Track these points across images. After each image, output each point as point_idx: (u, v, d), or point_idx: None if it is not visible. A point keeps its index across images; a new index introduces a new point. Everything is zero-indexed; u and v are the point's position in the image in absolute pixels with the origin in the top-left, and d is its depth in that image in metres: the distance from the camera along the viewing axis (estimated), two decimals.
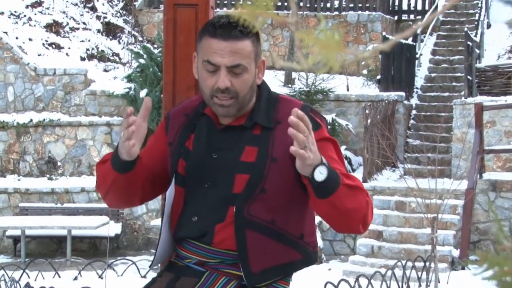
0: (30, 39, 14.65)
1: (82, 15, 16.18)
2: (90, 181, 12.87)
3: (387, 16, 16.89)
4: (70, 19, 15.80)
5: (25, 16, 15.21)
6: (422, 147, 11.94)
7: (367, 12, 16.49)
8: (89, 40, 15.55)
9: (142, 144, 2.25)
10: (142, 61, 13.36)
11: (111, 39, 16.22)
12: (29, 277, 8.50)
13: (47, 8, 15.67)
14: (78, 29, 15.73)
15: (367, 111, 11.88)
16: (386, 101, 13.03)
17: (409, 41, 14.91)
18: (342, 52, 0.94)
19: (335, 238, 11.73)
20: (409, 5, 17.58)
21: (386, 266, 9.04)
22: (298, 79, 14.14)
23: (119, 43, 16.30)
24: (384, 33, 15.30)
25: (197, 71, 2.32)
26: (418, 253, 9.72)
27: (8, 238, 12.13)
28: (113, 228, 11.77)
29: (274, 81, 14.54)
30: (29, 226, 10.97)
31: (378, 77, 14.37)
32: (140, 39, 16.73)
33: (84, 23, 15.99)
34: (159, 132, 2.46)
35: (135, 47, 15.23)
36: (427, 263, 8.04)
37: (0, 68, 13.84)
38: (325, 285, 6.78)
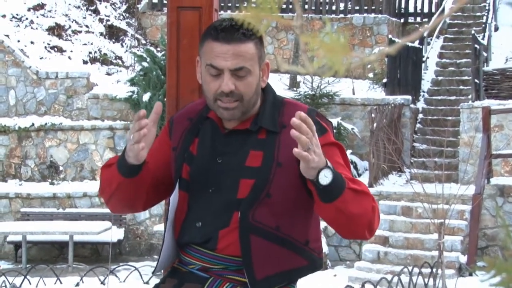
0: (32, 42, 14.68)
1: (84, 18, 16.20)
2: (92, 186, 12.87)
3: (393, 19, 16.89)
4: (72, 22, 15.83)
5: (27, 19, 15.24)
6: (428, 151, 11.93)
7: (373, 15, 16.49)
8: (91, 43, 15.58)
9: None
10: (145, 64, 13.38)
11: (114, 42, 16.24)
12: (30, 284, 8.50)
13: (49, 11, 15.69)
14: (80, 32, 15.75)
15: (373, 115, 11.88)
16: (392, 105, 13.02)
17: (416, 44, 14.91)
18: (347, 56, 0.95)
19: (340, 244, 11.72)
20: (415, 7, 17.58)
21: (392, 272, 9.03)
22: (303, 82, 14.15)
23: (122, 46, 16.32)
24: (390, 36, 15.31)
25: (200, 76, 2.32)
26: (425, 259, 9.70)
27: (9, 244, 12.13)
28: (115, 234, 11.77)
29: (279, 84, 14.54)
30: (31, 232, 10.98)
31: (384, 80, 14.37)
32: (143, 42, 16.75)
33: (86, 26, 16.02)
34: (162, 137, 2.46)
35: (138, 50, 15.25)
36: (434, 270, 8.03)
37: (1, 71, 13.86)
38: None
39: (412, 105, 13.79)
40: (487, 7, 16.99)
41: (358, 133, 13.17)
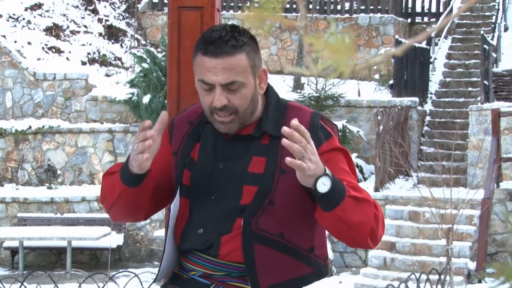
0: (29, 43, 14.70)
1: (83, 18, 16.23)
2: (91, 190, 12.88)
3: (400, 19, 16.90)
4: (70, 22, 15.85)
5: (24, 19, 15.27)
6: (436, 155, 11.91)
7: (379, 15, 16.49)
8: (90, 44, 15.59)
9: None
10: (145, 65, 13.39)
11: (113, 43, 16.26)
12: None
13: (47, 11, 15.72)
14: (79, 32, 15.77)
15: (379, 117, 11.87)
16: (399, 107, 13.01)
17: (423, 44, 14.91)
18: (352, 57, 0.95)
19: (345, 250, 11.71)
20: (423, 7, 17.59)
21: (399, 279, 9.01)
22: (308, 84, 14.14)
23: (122, 47, 16.34)
24: (396, 36, 15.30)
25: (196, 86, 2.33)
26: (433, 265, 9.69)
27: (6, 250, 12.14)
28: (114, 239, 11.78)
29: (283, 86, 14.55)
30: (28, 237, 10.98)
31: (391, 82, 14.37)
32: (143, 42, 16.77)
33: (85, 26, 16.04)
34: (162, 141, 2.45)
35: (138, 51, 15.26)
36: (442, 276, 8.01)
37: None
38: None
39: (419, 107, 13.78)
40: (496, 7, 16.98)
41: (364, 136, 13.17)
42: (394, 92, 14.08)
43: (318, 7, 16.91)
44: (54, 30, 15.35)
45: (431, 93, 15.14)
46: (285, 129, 2.00)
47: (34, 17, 15.44)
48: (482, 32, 14.54)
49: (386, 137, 11.77)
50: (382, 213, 2.22)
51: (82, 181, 13.43)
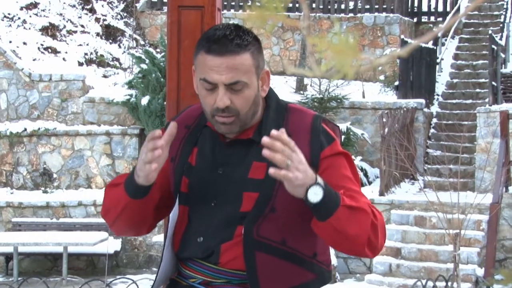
0: (24, 43, 14.71)
1: (80, 17, 16.24)
2: (87, 195, 12.88)
3: (406, 18, 16.90)
4: (67, 21, 15.86)
5: (19, 18, 15.28)
6: (443, 158, 11.91)
7: (384, 14, 16.50)
8: (87, 44, 15.61)
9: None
10: (144, 66, 13.39)
11: (111, 43, 16.27)
12: None
13: (43, 10, 15.73)
14: (75, 32, 15.78)
15: (384, 120, 11.88)
16: (405, 109, 13.02)
17: (429, 44, 14.91)
18: (357, 58, 0.95)
19: (349, 256, 11.70)
20: (429, 6, 17.59)
21: (404, 286, 9.02)
22: (311, 85, 14.15)
23: (120, 47, 16.35)
24: (402, 36, 15.31)
25: (196, 86, 2.32)
26: (440, 272, 9.68)
27: (0, 256, 12.14)
28: (112, 245, 11.77)
29: (285, 87, 14.55)
30: (22, 243, 10.98)
31: (396, 83, 14.36)
32: (142, 43, 16.78)
33: (82, 26, 16.05)
34: None
35: (136, 52, 15.27)
36: (449, 283, 8.01)
37: None
38: None
39: (425, 109, 13.78)
40: (505, 6, 16.99)
41: (369, 139, 13.17)
42: (399, 94, 14.08)
43: (321, 6, 16.92)
44: (50, 30, 15.37)
45: (437, 95, 15.14)
46: (264, 139, 1.99)
47: (30, 16, 15.46)
48: (490, 32, 14.54)
49: (391, 140, 11.77)
50: (383, 221, 2.21)
51: (78, 185, 13.43)
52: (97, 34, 16.16)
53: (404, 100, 13.59)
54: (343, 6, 16.88)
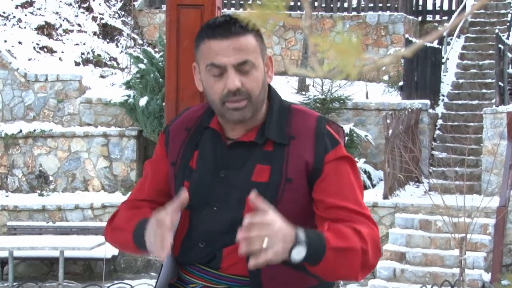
0: (19, 43, 14.72)
1: (76, 16, 16.25)
2: (84, 198, 12.89)
3: (410, 17, 16.90)
4: (63, 20, 15.87)
5: (14, 17, 15.29)
6: (449, 160, 11.91)
7: (388, 13, 16.50)
8: (84, 44, 15.62)
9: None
10: (142, 66, 13.40)
11: (108, 42, 16.28)
12: None
13: (39, 9, 15.75)
14: (72, 31, 15.80)
15: (388, 121, 11.87)
16: (409, 110, 13.01)
17: (435, 44, 14.91)
18: (360, 58, 0.95)
19: None
20: (434, 4, 17.59)
21: None
22: (313, 85, 14.15)
23: (117, 46, 16.36)
24: (407, 36, 15.31)
25: (200, 83, 2.32)
26: (445, 277, 9.68)
27: None
28: (109, 249, 11.75)
29: (287, 88, 14.55)
30: (18, 247, 10.97)
31: (401, 83, 14.36)
32: (140, 42, 16.79)
33: (79, 25, 16.06)
34: (159, 154, 2.44)
35: (134, 51, 15.28)
36: None
37: None
38: None
39: (430, 110, 13.78)
40: None
41: (372, 141, 13.16)
42: (404, 94, 14.08)
43: (323, 5, 16.92)
44: (46, 29, 15.38)
45: (443, 95, 15.13)
46: (240, 236, 2.00)
47: (25, 15, 15.47)
48: (497, 31, 14.53)
49: (395, 142, 11.77)
50: (374, 237, 2.21)
51: (75, 187, 13.44)
52: (94, 33, 16.17)
53: (409, 101, 13.59)
54: (346, 5, 16.89)
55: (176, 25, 3.08)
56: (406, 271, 10.33)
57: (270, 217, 2.03)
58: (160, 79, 12.93)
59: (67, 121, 13.81)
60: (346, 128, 12.36)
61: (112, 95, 13.74)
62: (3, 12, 15.27)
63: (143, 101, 12.97)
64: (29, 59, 14.47)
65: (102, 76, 15.11)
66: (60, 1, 16.26)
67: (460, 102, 14.83)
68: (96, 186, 13.39)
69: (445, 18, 17.22)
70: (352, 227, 2.17)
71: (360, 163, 12.64)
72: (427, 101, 13.70)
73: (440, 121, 14.29)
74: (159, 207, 2.34)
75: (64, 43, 15.38)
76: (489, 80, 15.06)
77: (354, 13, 16.70)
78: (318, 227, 2.22)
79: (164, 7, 15.86)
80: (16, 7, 15.55)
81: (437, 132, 14.10)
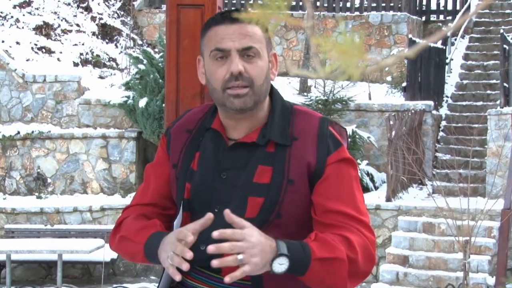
0: (17, 43, 14.73)
1: (75, 16, 16.26)
2: (83, 200, 12.88)
3: (414, 17, 16.90)
4: (62, 20, 15.88)
5: (12, 17, 15.30)
6: (452, 162, 11.90)
7: (391, 12, 16.50)
8: (83, 44, 15.62)
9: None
10: (141, 66, 13.40)
11: (107, 43, 16.29)
12: None
13: (37, 9, 15.76)
14: (71, 31, 15.80)
15: (391, 122, 11.87)
16: (413, 111, 13.01)
17: (438, 44, 14.91)
18: (363, 58, 0.95)
19: None
20: (438, 4, 17.59)
21: None
22: (315, 86, 14.15)
23: (116, 47, 16.36)
24: (410, 36, 15.31)
25: (203, 75, 2.34)
26: (449, 280, 9.68)
27: None
28: (108, 252, 11.76)
29: (288, 89, 14.56)
30: (16, 250, 10.97)
31: (404, 84, 14.36)
32: (140, 42, 16.79)
33: (77, 25, 16.07)
34: (161, 157, 2.45)
35: (134, 52, 15.28)
36: None
37: None
38: None
39: (434, 112, 13.78)
40: None
41: (375, 142, 13.16)
42: (407, 95, 14.08)
43: (326, 5, 16.92)
44: (44, 29, 15.38)
45: (447, 96, 15.13)
46: (209, 248, 2.04)
47: (23, 15, 15.48)
48: (501, 31, 14.53)
49: (398, 143, 11.76)
50: (366, 247, 2.21)
51: (74, 190, 13.44)
52: (93, 34, 16.17)
53: (412, 102, 13.59)
54: (348, 4, 16.89)
55: (176, 25, 3.08)
56: (409, 274, 10.32)
57: (246, 231, 2.06)
58: (160, 80, 12.93)
59: (65, 123, 13.81)
60: (349, 129, 12.36)
61: (111, 96, 13.74)
62: (1, 12, 15.28)
63: (142, 102, 12.97)
64: (27, 60, 14.47)
65: (101, 77, 15.11)
66: (59, 1, 16.26)
67: (464, 103, 14.83)
68: (95, 188, 13.39)
69: (449, 18, 17.22)
70: (342, 236, 2.18)
71: (363, 165, 12.64)
72: (431, 102, 13.70)
73: (444, 123, 14.29)
74: (163, 211, 2.36)
75: (62, 44, 15.39)
76: (494, 81, 15.06)
77: (357, 13, 16.70)
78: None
79: (164, 7, 15.87)
80: (14, 7, 15.56)
81: (441, 133, 14.10)
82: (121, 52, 16.01)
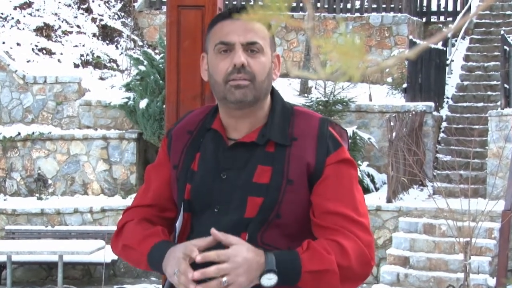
0: (18, 44, 14.73)
1: (76, 17, 16.26)
2: (83, 201, 12.88)
3: (414, 18, 16.90)
4: (62, 21, 15.88)
5: (12, 18, 15.30)
6: (453, 163, 11.90)
7: (391, 14, 16.50)
8: (83, 45, 15.63)
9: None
10: (142, 68, 13.41)
11: (107, 44, 16.29)
12: None
13: (37, 10, 15.76)
14: (71, 32, 15.81)
15: (392, 123, 11.87)
16: (413, 112, 13.01)
17: (439, 45, 14.91)
18: (363, 60, 0.95)
19: None
20: (438, 5, 17.58)
21: None
22: (315, 88, 14.15)
23: (117, 48, 16.36)
24: (410, 37, 15.30)
25: (206, 72, 2.35)
26: (449, 281, 9.68)
27: None
28: (109, 253, 11.76)
29: (289, 90, 14.55)
30: (16, 251, 10.98)
31: (404, 85, 14.36)
32: (140, 43, 16.80)
33: (78, 26, 16.07)
34: (162, 158, 2.46)
35: (134, 53, 15.28)
36: None
37: None
38: None
39: (435, 113, 13.78)
40: None
41: (376, 143, 13.16)
42: (408, 97, 14.08)
43: (326, 6, 16.92)
44: (45, 31, 15.39)
45: (447, 98, 15.13)
46: (195, 274, 2.06)
47: (24, 16, 15.48)
48: (502, 32, 14.52)
49: (399, 145, 11.76)
50: (361, 252, 2.21)
51: (74, 191, 13.44)
52: (94, 35, 16.18)
53: (413, 103, 13.59)
54: (349, 6, 16.88)
55: (177, 26, 3.08)
56: (410, 275, 10.32)
57: (231, 250, 2.09)
58: (161, 81, 12.93)
59: (66, 124, 13.81)
60: (349, 130, 12.35)
61: (112, 98, 13.75)
62: (1, 13, 15.28)
63: (143, 104, 12.97)
64: (28, 61, 14.48)
65: (101, 78, 15.12)
66: (59, 2, 16.27)
67: (465, 104, 14.83)
68: (96, 189, 13.39)
69: (450, 19, 17.21)
70: (336, 242, 2.18)
71: (363, 166, 12.64)
72: (431, 104, 13.70)
73: (444, 124, 14.29)
74: (164, 212, 2.36)
75: (63, 45, 15.39)
76: (494, 82, 15.06)
77: (357, 14, 16.70)
78: (313, 234, 2.24)
79: (164, 8, 15.86)
80: (15, 8, 15.56)
81: (442, 134, 14.10)
82: (122, 53, 16.01)
